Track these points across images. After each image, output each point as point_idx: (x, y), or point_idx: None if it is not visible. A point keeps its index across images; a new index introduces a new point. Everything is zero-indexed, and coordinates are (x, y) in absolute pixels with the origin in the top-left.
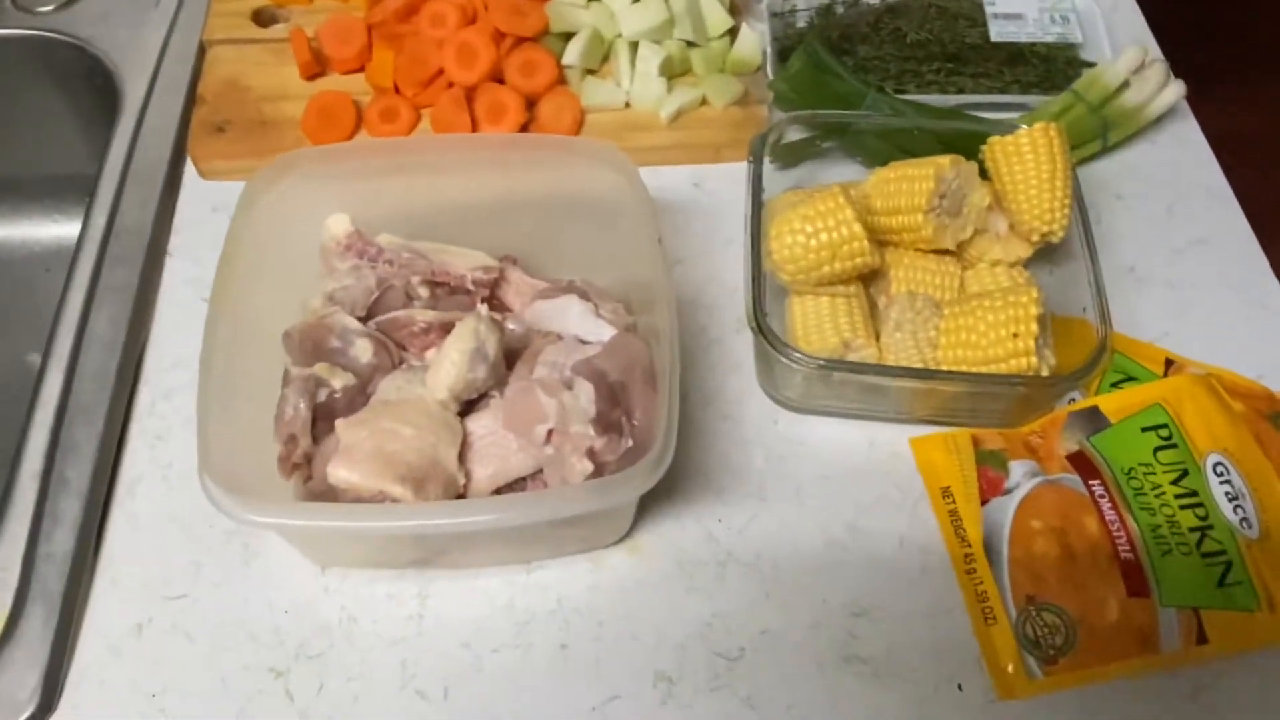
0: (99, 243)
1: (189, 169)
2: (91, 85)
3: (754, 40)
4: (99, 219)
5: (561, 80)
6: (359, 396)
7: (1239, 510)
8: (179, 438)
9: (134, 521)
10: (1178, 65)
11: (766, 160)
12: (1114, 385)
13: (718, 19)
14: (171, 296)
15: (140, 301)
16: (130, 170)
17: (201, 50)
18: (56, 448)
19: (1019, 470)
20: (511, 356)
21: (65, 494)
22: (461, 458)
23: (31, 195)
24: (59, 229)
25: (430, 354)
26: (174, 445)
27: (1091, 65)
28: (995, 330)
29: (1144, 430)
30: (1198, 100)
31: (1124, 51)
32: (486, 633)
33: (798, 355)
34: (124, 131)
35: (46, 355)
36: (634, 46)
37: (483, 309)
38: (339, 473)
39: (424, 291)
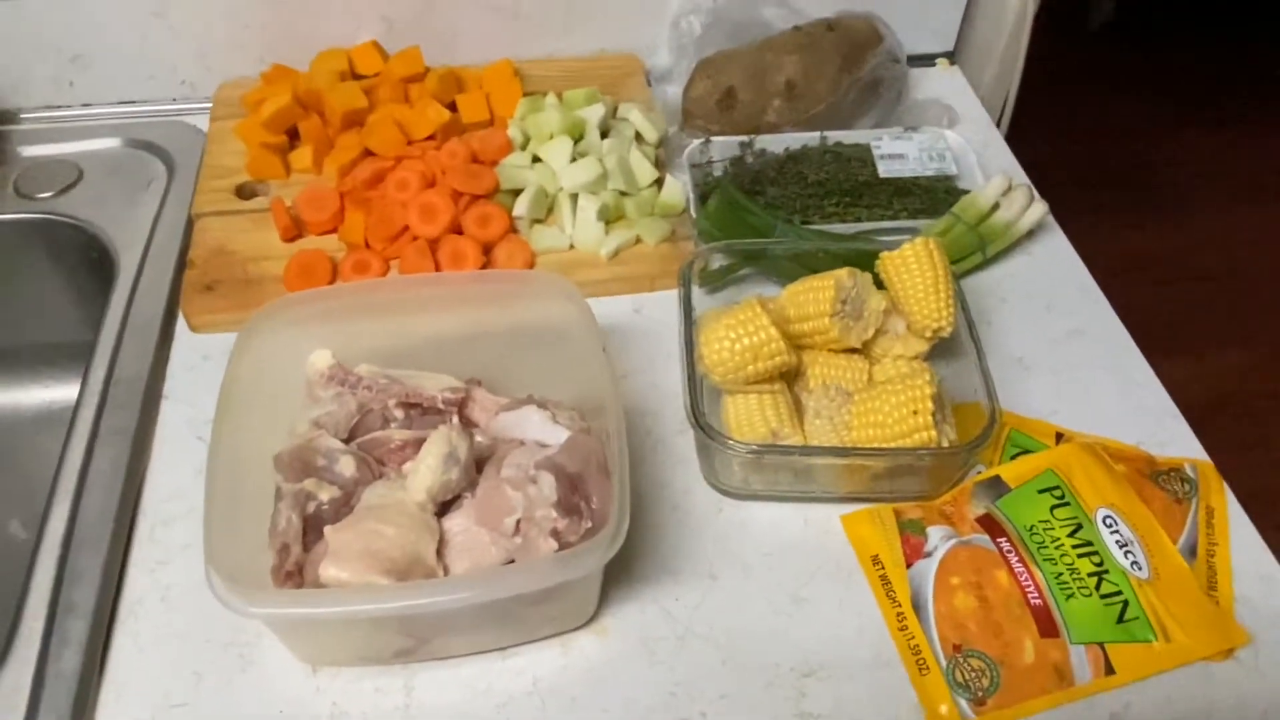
0: (99, 391)
1: (181, 324)
2: (87, 259)
3: (678, 188)
4: (99, 371)
5: (513, 230)
6: (344, 507)
7: (1129, 555)
8: (177, 562)
9: (136, 639)
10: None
11: (694, 284)
12: (1012, 458)
13: (645, 172)
14: (167, 434)
15: (138, 442)
16: (127, 328)
17: (190, 222)
18: (63, 575)
19: (936, 535)
20: (480, 464)
21: (72, 617)
22: (440, 554)
23: (23, 362)
24: (49, 393)
25: (407, 467)
26: (172, 569)
27: (967, 193)
28: (898, 410)
29: (1040, 492)
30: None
31: (992, 179)
32: (468, 717)
33: (732, 443)
34: (120, 296)
35: (52, 493)
36: (574, 198)
37: (454, 420)
38: (329, 571)
39: (399, 413)
